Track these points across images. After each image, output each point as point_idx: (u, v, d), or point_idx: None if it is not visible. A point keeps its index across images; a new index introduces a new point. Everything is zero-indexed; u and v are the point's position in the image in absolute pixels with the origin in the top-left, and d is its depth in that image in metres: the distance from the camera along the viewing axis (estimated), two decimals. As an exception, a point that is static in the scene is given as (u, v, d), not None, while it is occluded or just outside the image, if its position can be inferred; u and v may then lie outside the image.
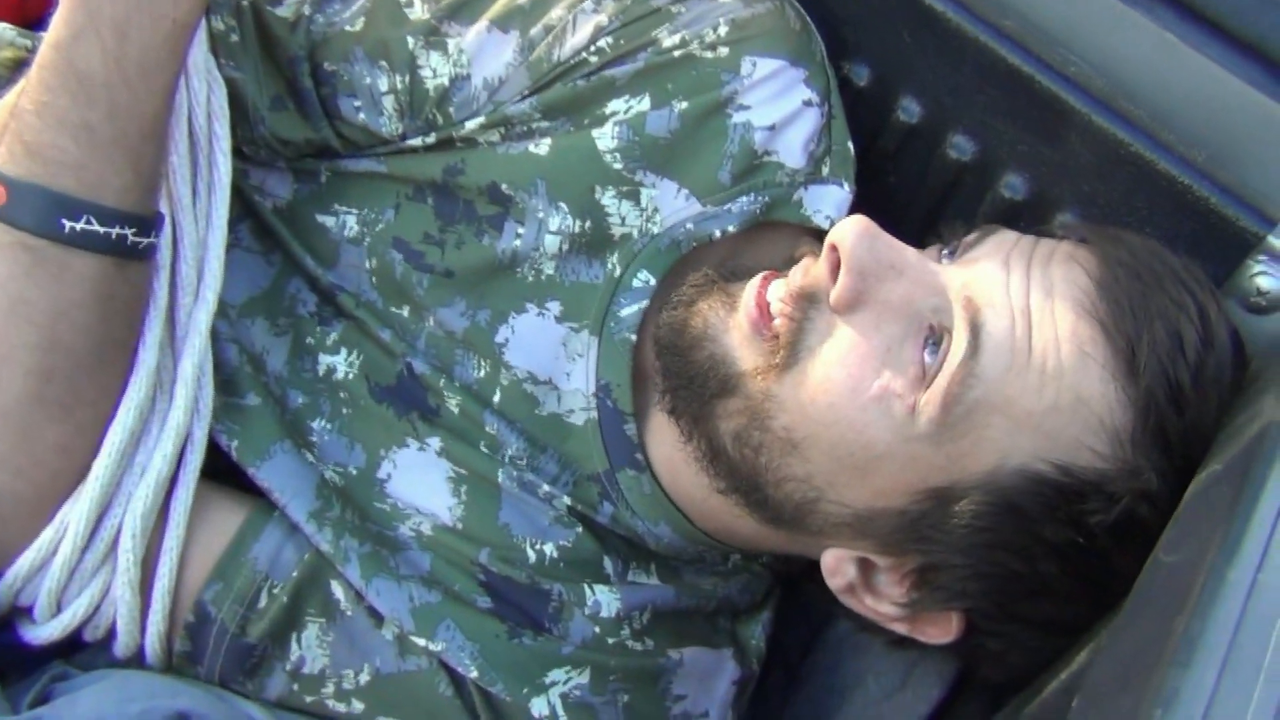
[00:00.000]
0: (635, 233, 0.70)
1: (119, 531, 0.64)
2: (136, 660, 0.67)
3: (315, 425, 0.72)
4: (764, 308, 0.63)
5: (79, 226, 0.60)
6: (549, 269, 0.70)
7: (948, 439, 0.58)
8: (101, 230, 0.60)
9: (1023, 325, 0.57)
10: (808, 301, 0.61)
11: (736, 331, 0.63)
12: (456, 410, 0.70)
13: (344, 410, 0.72)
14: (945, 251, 0.64)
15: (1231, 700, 0.34)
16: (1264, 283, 0.67)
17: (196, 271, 0.67)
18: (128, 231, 0.61)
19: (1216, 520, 0.43)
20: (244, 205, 0.75)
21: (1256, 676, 0.35)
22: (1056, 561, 0.57)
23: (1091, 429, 0.56)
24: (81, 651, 0.68)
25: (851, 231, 0.59)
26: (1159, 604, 0.42)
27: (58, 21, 0.60)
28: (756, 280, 0.64)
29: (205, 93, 0.68)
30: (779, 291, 0.63)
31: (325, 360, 0.73)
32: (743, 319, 0.63)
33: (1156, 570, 0.46)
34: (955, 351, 0.57)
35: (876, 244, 0.59)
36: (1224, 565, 0.39)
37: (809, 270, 0.63)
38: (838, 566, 0.64)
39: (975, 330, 0.57)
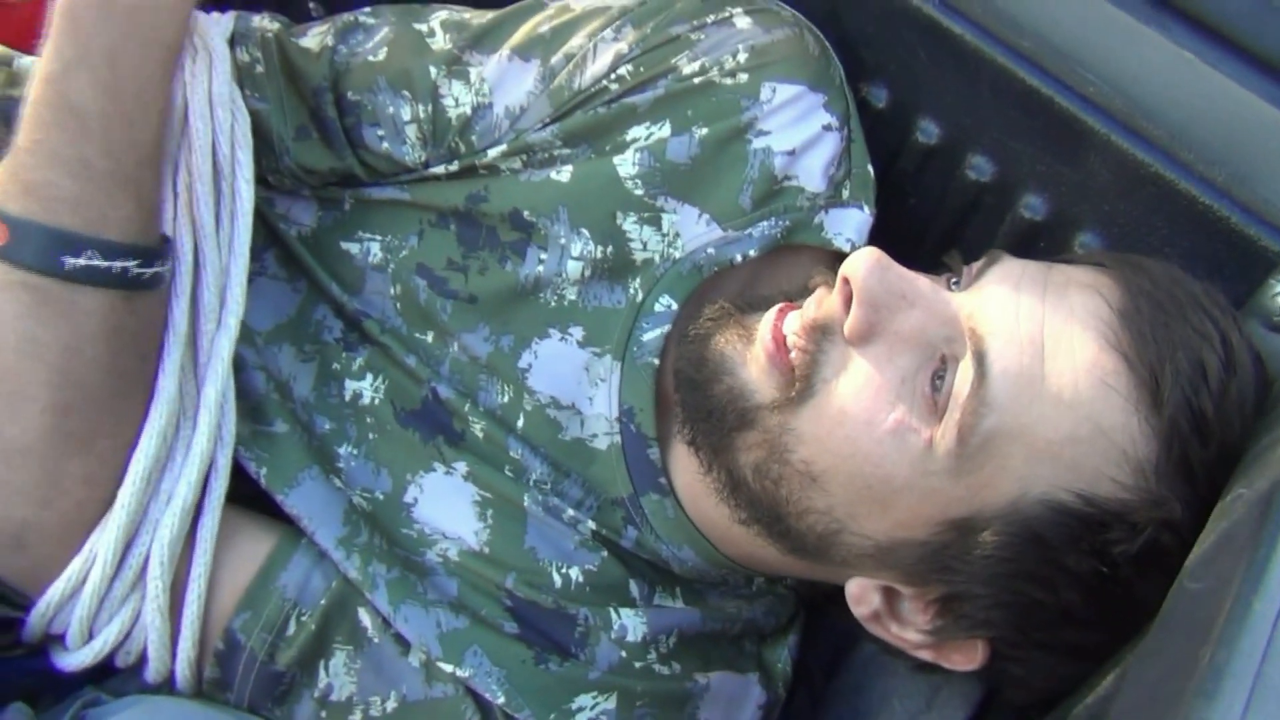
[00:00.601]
0: (657, 258, 0.70)
1: (147, 559, 0.65)
2: (167, 686, 0.67)
3: (342, 451, 0.73)
4: (780, 341, 0.63)
5: (81, 263, 0.60)
6: (571, 294, 0.70)
7: (966, 470, 0.57)
8: (104, 265, 0.60)
9: (1032, 353, 0.57)
10: (821, 334, 0.61)
11: (754, 365, 0.63)
12: (481, 435, 0.71)
13: (370, 435, 0.73)
14: (952, 281, 0.63)
15: (1258, 732, 0.34)
16: (1287, 302, 0.66)
17: (219, 298, 0.68)
18: (131, 264, 0.61)
19: (1241, 547, 0.43)
20: (269, 233, 0.76)
21: (1282, 708, 0.35)
22: (1080, 591, 0.57)
23: (1114, 460, 0.56)
24: (113, 678, 0.69)
25: (863, 263, 0.59)
26: (1184, 632, 0.42)
27: (48, 55, 0.60)
28: (772, 313, 0.64)
29: (229, 122, 0.69)
30: (794, 324, 0.63)
31: (351, 386, 0.74)
32: (759, 352, 0.63)
33: (1181, 597, 0.46)
34: (963, 381, 0.57)
35: (888, 275, 0.59)
36: (1249, 594, 0.39)
37: (822, 302, 0.63)
38: (862, 595, 0.64)
39: (980, 359, 0.57)
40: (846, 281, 0.60)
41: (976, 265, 0.63)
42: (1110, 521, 0.56)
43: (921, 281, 0.61)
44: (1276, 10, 0.70)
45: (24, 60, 0.82)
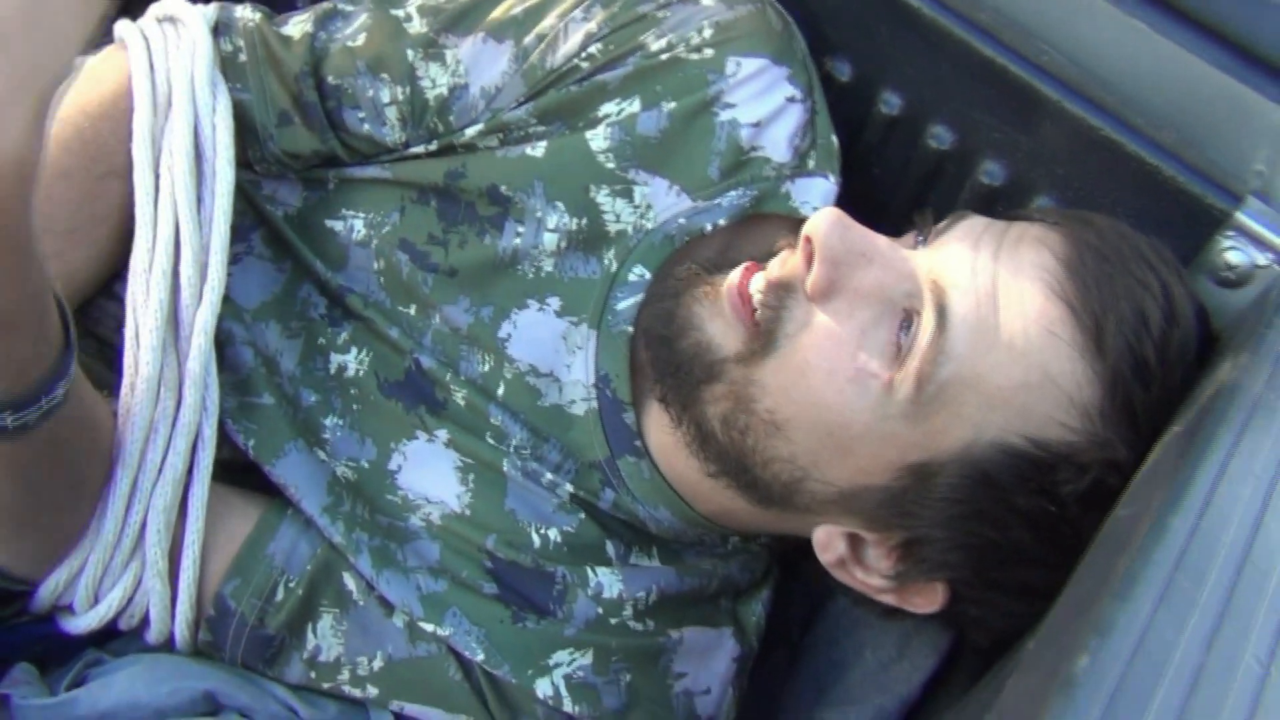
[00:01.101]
0: (630, 229, 0.72)
1: (144, 527, 0.67)
2: (167, 646, 0.70)
3: (328, 422, 0.75)
4: (745, 297, 0.65)
5: None
6: (548, 266, 0.73)
7: (923, 415, 0.60)
8: None
9: (988, 305, 0.60)
10: (785, 291, 0.64)
11: (719, 320, 0.66)
12: (463, 403, 0.73)
13: (355, 406, 0.75)
14: (919, 238, 0.66)
15: (1165, 631, 0.37)
16: (1233, 257, 0.69)
17: (199, 274, 0.69)
18: (5, 418, 0.54)
19: (1165, 474, 0.46)
20: (256, 214, 0.78)
21: (1191, 611, 0.38)
22: (1030, 530, 0.60)
23: (1061, 404, 0.59)
24: (114, 640, 0.72)
25: (824, 223, 0.62)
26: (1109, 551, 0.45)
27: None
28: (738, 271, 0.67)
29: (210, 104, 0.71)
30: (759, 283, 0.66)
31: (336, 359, 0.76)
32: (725, 308, 0.66)
33: (1113, 524, 0.49)
34: (924, 331, 0.60)
35: (848, 234, 0.62)
36: (1168, 513, 0.42)
37: (786, 261, 0.65)
38: (828, 542, 0.66)
39: (941, 310, 0.60)
40: (809, 240, 0.63)
41: (942, 223, 0.66)
42: (1058, 463, 0.59)
43: (880, 240, 0.64)
44: (1221, -21, 0.73)
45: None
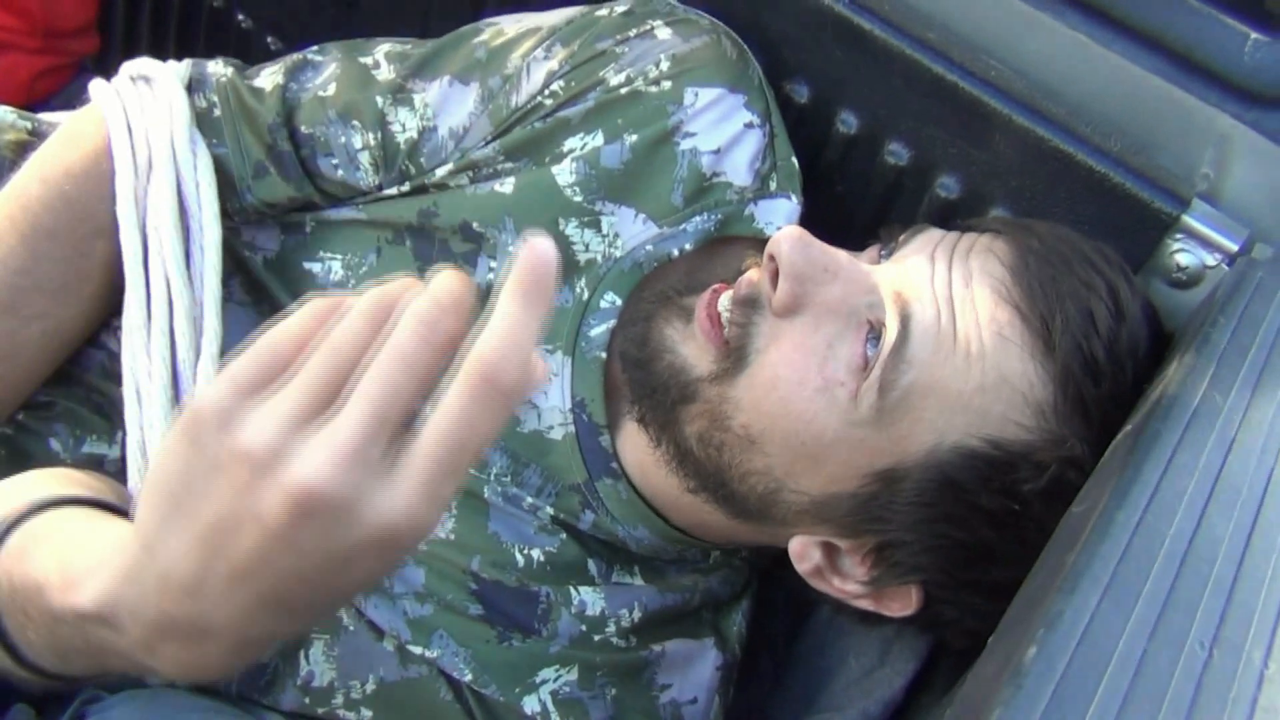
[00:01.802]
0: (599, 257, 0.74)
1: None
2: (164, 681, 0.71)
3: None
4: (715, 318, 0.68)
5: None
6: None
7: (888, 422, 0.62)
8: None
9: (947, 314, 0.62)
10: (752, 308, 0.66)
11: (691, 342, 0.68)
12: None
13: None
14: (883, 252, 0.69)
15: (1111, 620, 0.38)
16: (1183, 259, 0.72)
17: (194, 329, 0.71)
18: None
19: (1114, 471, 0.48)
20: (235, 262, 0.79)
21: (1135, 601, 0.40)
22: (995, 529, 0.62)
23: (1016, 405, 0.61)
24: (112, 676, 0.73)
25: (786, 240, 0.64)
26: (1062, 547, 0.47)
27: None
28: (707, 294, 0.69)
29: (191, 161, 0.73)
30: (727, 302, 0.68)
31: None
32: (696, 330, 0.68)
33: (1067, 520, 0.51)
34: (887, 341, 0.62)
35: (810, 250, 0.64)
36: (1114, 508, 0.44)
37: (752, 279, 0.68)
38: (804, 552, 0.68)
39: (904, 321, 0.62)
40: (773, 258, 0.65)
41: (903, 236, 0.69)
42: (1017, 462, 0.61)
43: (841, 255, 0.66)
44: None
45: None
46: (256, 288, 0.80)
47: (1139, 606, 0.39)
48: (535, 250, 0.41)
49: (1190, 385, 0.53)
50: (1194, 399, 0.52)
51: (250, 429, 0.40)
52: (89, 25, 1.25)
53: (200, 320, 0.72)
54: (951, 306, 0.63)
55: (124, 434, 0.71)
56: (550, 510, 0.74)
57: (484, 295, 0.74)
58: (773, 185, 0.77)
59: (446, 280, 0.42)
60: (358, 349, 0.41)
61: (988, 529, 0.62)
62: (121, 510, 0.55)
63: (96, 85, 0.77)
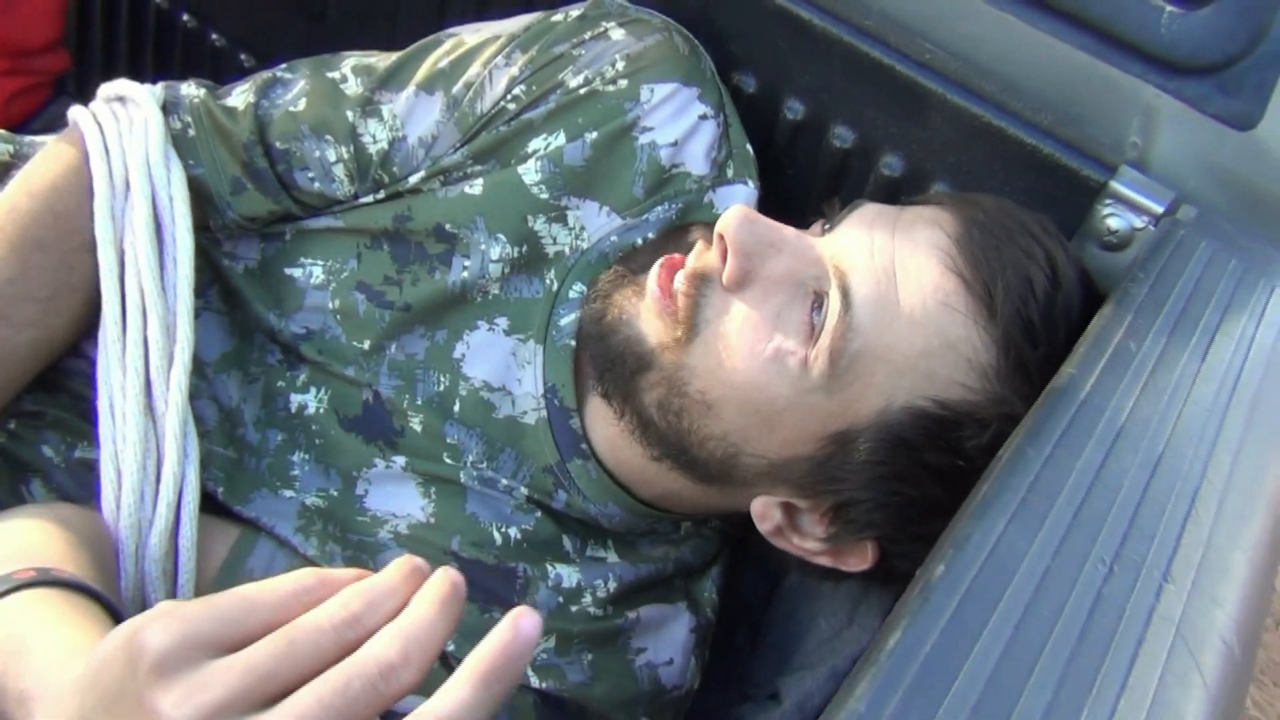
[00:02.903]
0: (567, 249, 0.78)
1: (143, 580, 0.71)
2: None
3: (295, 459, 0.79)
4: (666, 289, 0.71)
5: None
6: (495, 290, 0.78)
7: (838, 387, 0.66)
8: None
9: (888, 282, 0.66)
10: (702, 281, 0.70)
11: (646, 314, 0.72)
12: (420, 429, 0.78)
13: (317, 441, 0.79)
14: (825, 226, 0.72)
15: (1016, 541, 0.42)
16: (1114, 223, 0.75)
17: (167, 337, 0.73)
18: None
19: (1031, 415, 0.52)
20: (213, 270, 0.82)
21: (1040, 525, 0.43)
22: (942, 484, 0.66)
23: (961, 367, 0.65)
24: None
25: (734, 219, 0.68)
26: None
27: None
28: (656, 267, 0.73)
29: (165, 176, 0.76)
30: (679, 277, 0.72)
31: (296, 399, 0.80)
32: (649, 302, 0.72)
33: (995, 465, 0.55)
34: (832, 311, 0.66)
35: (756, 227, 0.68)
36: (1026, 445, 0.48)
37: (701, 254, 0.71)
38: (765, 512, 0.72)
39: (845, 290, 0.66)
40: (722, 237, 0.69)
41: (844, 212, 0.72)
42: (962, 421, 0.65)
43: (787, 230, 0.70)
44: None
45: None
46: (233, 296, 0.82)
47: (1044, 530, 0.43)
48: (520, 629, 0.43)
49: (1107, 335, 0.57)
50: (1109, 347, 0.56)
51: (171, 698, 0.41)
52: (55, 42, 1.26)
53: (174, 329, 0.74)
54: (893, 275, 0.66)
55: None
56: (525, 491, 0.78)
57: (460, 291, 0.78)
58: (730, 173, 0.81)
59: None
60: (314, 665, 0.42)
61: (935, 485, 0.66)
62: (89, 589, 0.57)
63: (75, 110, 0.80)
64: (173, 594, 0.72)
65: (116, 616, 0.57)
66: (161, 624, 0.42)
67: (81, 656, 0.49)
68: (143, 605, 0.71)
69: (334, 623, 0.43)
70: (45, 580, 0.56)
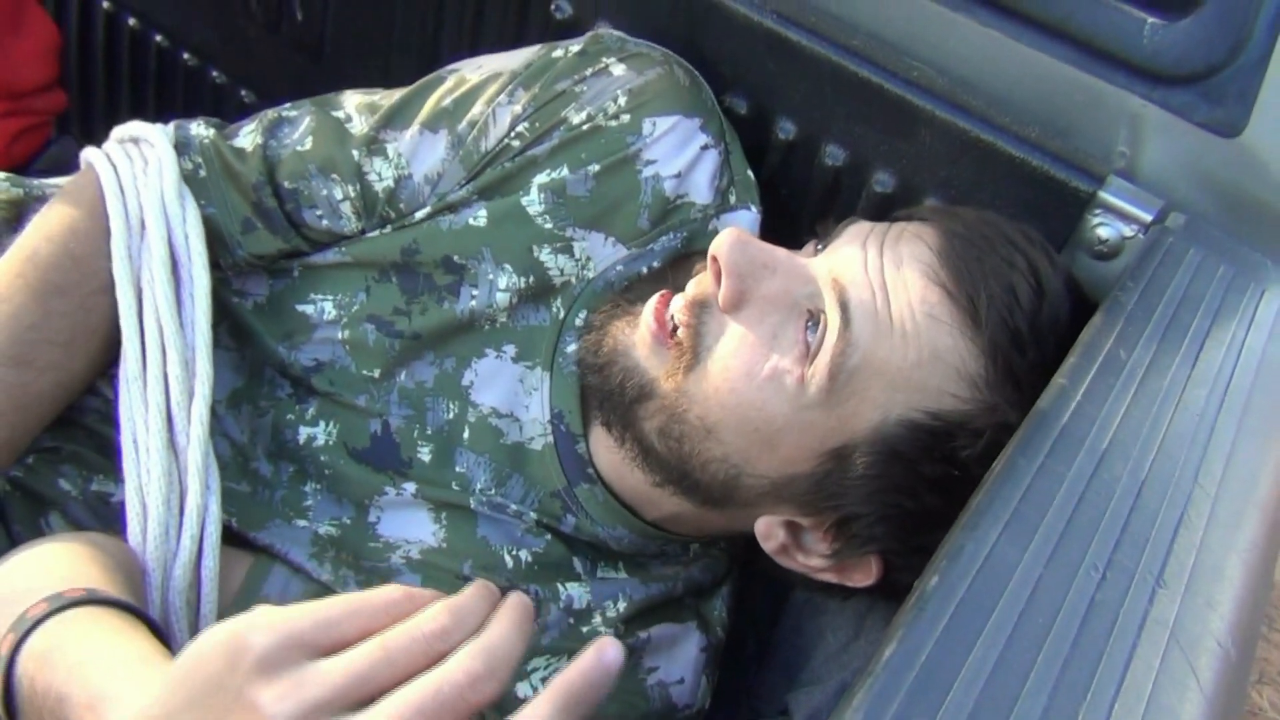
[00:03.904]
0: (574, 279, 0.79)
1: (167, 610, 0.72)
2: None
3: (308, 489, 0.80)
4: (662, 322, 0.72)
5: None
6: (503, 318, 0.79)
7: (835, 403, 0.67)
8: None
9: (881, 296, 0.67)
10: (700, 308, 0.71)
11: (642, 345, 0.73)
12: (428, 459, 0.79)
13: (327, 472, 0.80)
14: (819, 245, 0.73)
15: (1009, 552, 0.43)
16: (1103, 232, 0.76)
17: (187, 372, 0.75)
18: None
19: (1024, 425, 0.53)
20: (221, 308, 0.83)
21: (1033, 534, 0.44)
22: (939, 495, 0.67)
23: (950, 378, 0.66)
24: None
25: (726, 242, 0.69)
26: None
27: None
28: (654, 299, 0.74)
29: (180, 215, 0.78)
30: (679, 305, 0.73)
31: (305, 431, 0.81)
32: (645, 333, 0.73)
33: (988, 476, 0.56)
34: (831, 327, 0.67)
35: (749, 249, 0.69)
36: (1018, 455, 0.49)
37: (700, 281, 0.73)
38: (769, 531, 0.73)
39: (844, 306, 0.67)
40: (716, 260, 0.70)
41: (835, 230, 0.74)
42: (955, 431, 0.66)
43: (779, 251, 0.71)
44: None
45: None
46: (243, 332, 0.84)
47: (1037, 538, 0.44)
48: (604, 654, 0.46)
49: (1097, 344, 0.58)
50: (1099, 355, 0.57)
51: (273, 693, 0.44)
52: (50, 82, 1.26)
53: (193, 363, 0.76)
54: (885, 289, 0.67)
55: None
56: (534, 515, 0.79)
57: (469, 320, 0.79)
58: (733, 199, 0.82)
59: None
60: (406, 672, 0.45)
61: (933, 496, 0.67)
62: (135, 609, 0.58)
63: (89, 151, 0.81)
64: (195, 622, 0.73)
65: (159, 635, 0.58)
66: (265, 624, 0.45)
67: (152, 663, 0.52)
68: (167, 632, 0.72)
69: (426, 634, 0.46)
70: (95, 599, 0.57)
